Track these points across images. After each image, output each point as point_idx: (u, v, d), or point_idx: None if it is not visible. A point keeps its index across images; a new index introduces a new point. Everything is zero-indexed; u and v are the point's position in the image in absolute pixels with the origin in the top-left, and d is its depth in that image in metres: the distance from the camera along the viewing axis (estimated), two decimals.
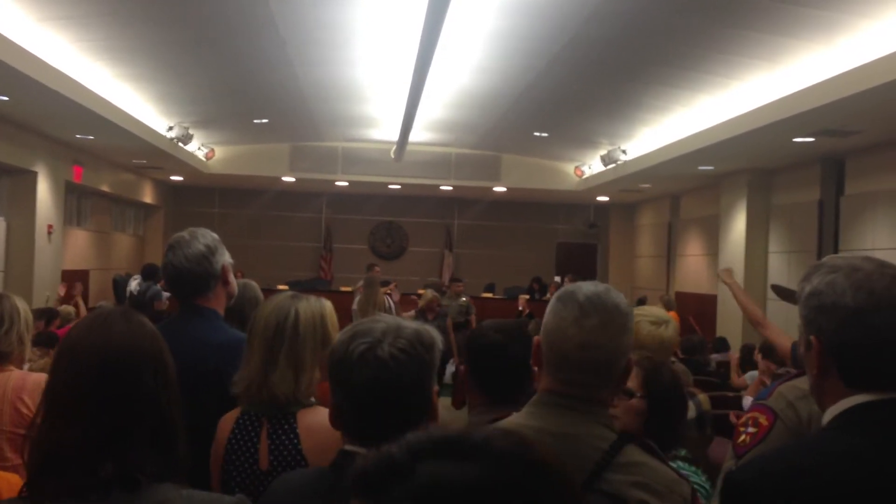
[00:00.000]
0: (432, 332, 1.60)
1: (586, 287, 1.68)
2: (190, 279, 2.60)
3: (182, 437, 1.53)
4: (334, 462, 1.61)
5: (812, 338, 1.49)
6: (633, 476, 1.58)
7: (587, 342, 1.62)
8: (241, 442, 2.22)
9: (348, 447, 1.57)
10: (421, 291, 11.11)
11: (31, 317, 3.08)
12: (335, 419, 1.61)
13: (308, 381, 2.24)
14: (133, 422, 1.45)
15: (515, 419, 1.68)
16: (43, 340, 5.40)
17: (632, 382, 2.49)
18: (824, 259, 1.57)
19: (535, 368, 1.72)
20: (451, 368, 9.81)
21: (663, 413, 2.47)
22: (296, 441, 2.17)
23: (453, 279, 12.47)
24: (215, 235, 2.69)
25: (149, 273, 10.82)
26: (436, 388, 1.59)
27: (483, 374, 2.41)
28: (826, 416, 1.47)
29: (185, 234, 2.65)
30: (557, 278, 13.75)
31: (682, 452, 2.47)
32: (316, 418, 2.19)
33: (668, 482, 1.61)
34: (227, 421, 2.27)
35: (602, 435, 1.62)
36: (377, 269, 11.95)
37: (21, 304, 2.99)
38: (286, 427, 2.19)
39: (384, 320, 1.59)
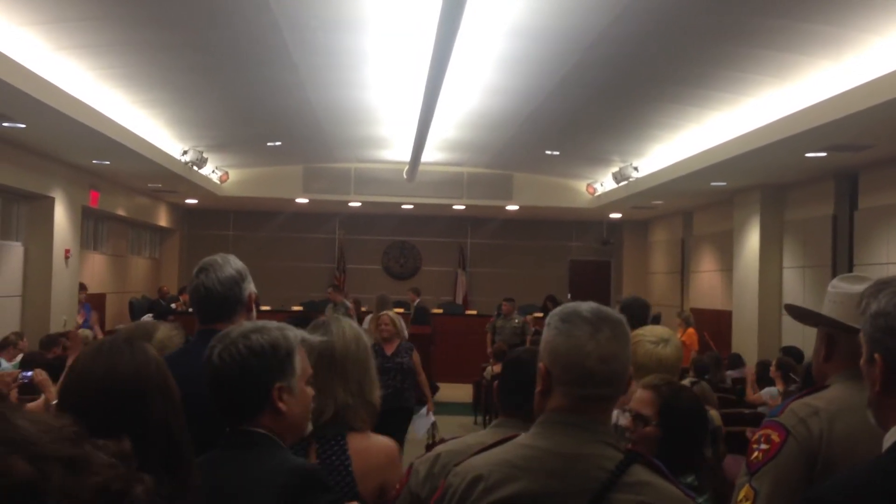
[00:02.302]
0: (275, 340, 1.88)
1: (584, 305, 1.72)
2: (219, 302, 2.60)
3: (192, 459, 1.59)
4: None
5: (876, 355, 1.48)
6: (639, 496, 1.59)
7: (607, 355, 1.65)
8: None
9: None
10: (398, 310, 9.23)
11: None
12: None
13: (356, 403, 2.34)
14: (144, 446, 1.48)
15: (522, 439, 1.71)
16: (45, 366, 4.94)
17: (647, 409, 2.50)
18: (893, 276, 1.56)
19: (539, 393, 1.74)
20: (420, 419, 7.02)
21: (679, 440, 2.47)
22: (347, 463, 2.22)
23: (506, 299, 11.94)
24: (243, 265, 2.71)
25: (162, 317, 11.27)
26: (279, 385, 1.85)
27: (504, 390, 2.48)
28: (892, 434, 1.46)
29: (217, 257, 2.66)
30: (411, 294, 13.88)
31: (689, 479, 2.46)
32: (367, 443, 2.29)
33: (674, 501, 1.63)
34: None
35: (608, 454, 1.63)
36: (330, 291, 12.45)
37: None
38: (336, 448, 2.25)
39: (245, 327, 1.92)
